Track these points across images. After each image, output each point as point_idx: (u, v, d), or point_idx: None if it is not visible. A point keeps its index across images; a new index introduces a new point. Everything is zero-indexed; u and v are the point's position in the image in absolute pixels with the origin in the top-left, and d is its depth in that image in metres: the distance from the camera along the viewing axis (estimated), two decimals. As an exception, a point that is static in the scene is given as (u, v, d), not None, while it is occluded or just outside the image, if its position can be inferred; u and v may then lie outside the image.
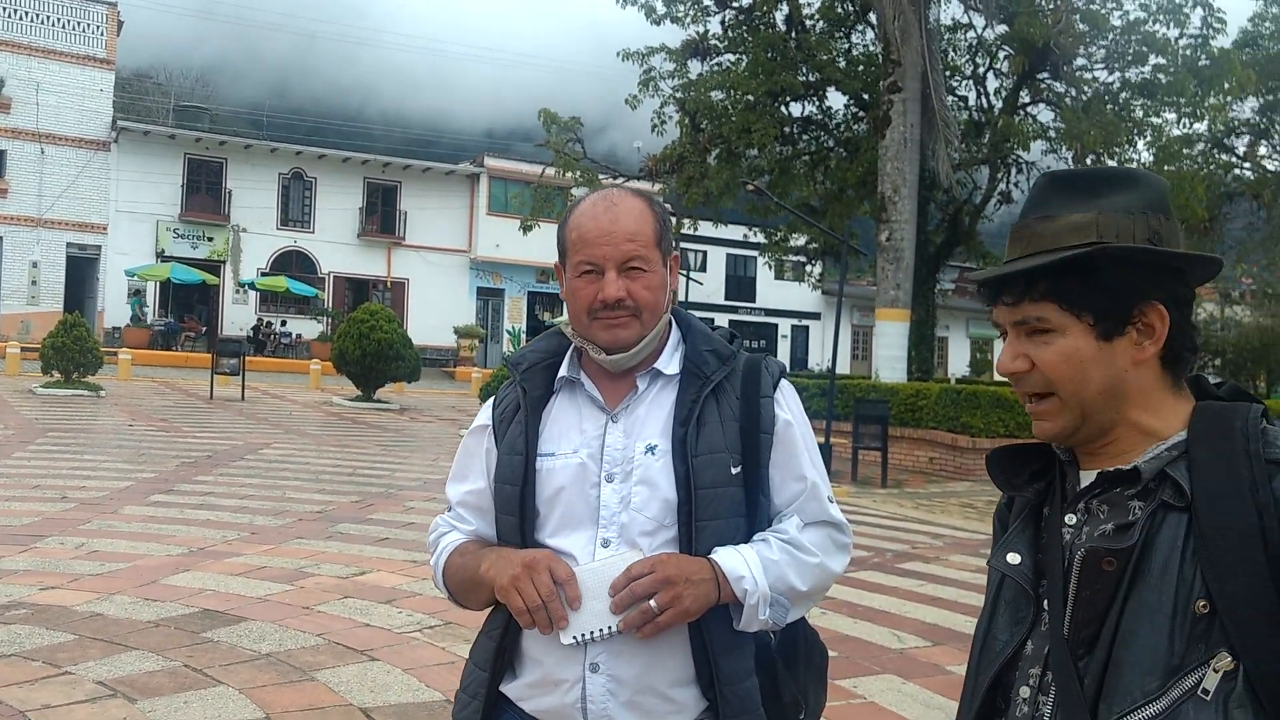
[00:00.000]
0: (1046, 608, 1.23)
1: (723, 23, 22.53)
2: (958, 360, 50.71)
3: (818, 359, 47.75)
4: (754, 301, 50.60)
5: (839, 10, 22.03)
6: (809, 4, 22.04)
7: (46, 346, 20.41)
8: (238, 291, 39.34)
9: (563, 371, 1.78)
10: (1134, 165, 21.07)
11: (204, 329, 37.05)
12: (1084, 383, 1.22)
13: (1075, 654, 1.18)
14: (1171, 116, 20.39)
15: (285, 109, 60.25)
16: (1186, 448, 1.19)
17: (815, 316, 50.42)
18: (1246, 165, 27.52)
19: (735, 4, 22.20)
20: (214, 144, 39.76)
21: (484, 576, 1.68)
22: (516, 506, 1.71)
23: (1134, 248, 1.20)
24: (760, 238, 27.45)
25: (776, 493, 1.74)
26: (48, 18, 36.65)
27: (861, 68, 21.78)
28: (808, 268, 28.36)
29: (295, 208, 41.34)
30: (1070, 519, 1.25)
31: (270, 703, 4.38)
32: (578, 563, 1.64)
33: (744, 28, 22.28)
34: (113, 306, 36.49)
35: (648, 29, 23.66)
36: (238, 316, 39.14)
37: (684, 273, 30.71)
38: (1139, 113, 20.22)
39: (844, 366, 43.14)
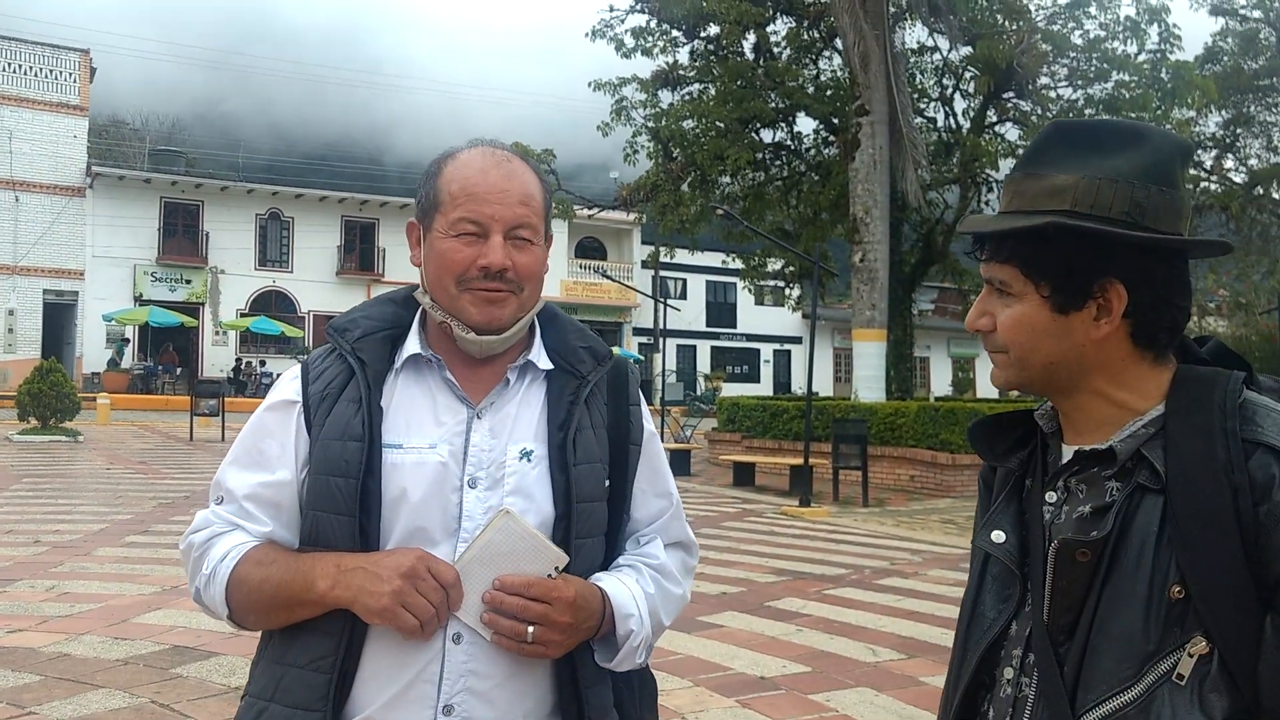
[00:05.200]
0: (1030, 589, 1.19)
1: (691, 53, 22.75)
2: (940, 380, 50.92)
3: (800, 382, 47.87)
4: (735, 327, 50.80)
5: (805, 37, 22.28)
6: (776, 32, 22.28)
7: (22, 393, 20.30)
8: (217, 333, 39.27)
9: (414, 348, 1.48)
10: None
11: (178, 361, 37.00)
12: (1034, 351, 1.19)
13: (1056, 639, 1.15)
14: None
15: (285, 154, 60.19)
16: (1164, 423, 1.14)
17: (797, 340, 50.63)
18: (1213, 179, 27.90)
19: (703, 34, 22.42)
20: (190, 186, 39.87)
21: (326, 597, 1.36)
22: (355, 505, 1.39)
23: (1086, 227, 1.13)
24: (739, 264, 27.58)
25: (638, 508, 1.58)
26: (19, 66, 36.80)
27: (830, 92, 22.00)
28: (786, 291, 28.44)
29: (273, 247, 41.41)
30: (1050, 496, 1.22)
31: (237, 735, 4.34)
32: None
33: (712, 57, 22.50)
34: (91, 351, 36.40)
35: (645, 67, 23.86)
36: (218, 358, 39.04)
37: (663, 300, 30.76)
38: (1104, 129, 20.46)
39: (826, 389, 43.29)
